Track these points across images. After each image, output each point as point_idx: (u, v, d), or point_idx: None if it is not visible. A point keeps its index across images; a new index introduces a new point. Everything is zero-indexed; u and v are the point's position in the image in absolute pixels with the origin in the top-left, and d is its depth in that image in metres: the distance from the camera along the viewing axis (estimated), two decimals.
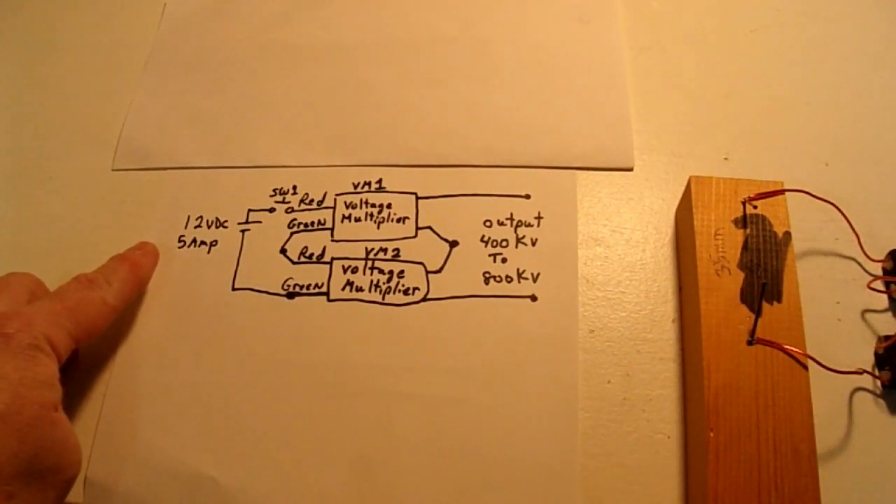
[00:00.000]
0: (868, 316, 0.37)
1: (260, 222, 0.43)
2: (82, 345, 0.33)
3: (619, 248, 0.40)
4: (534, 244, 0.40)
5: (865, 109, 0.44)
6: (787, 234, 0.35)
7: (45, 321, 0.30)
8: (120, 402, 0.38)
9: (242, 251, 0.42)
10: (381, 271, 0.40)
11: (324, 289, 0.40)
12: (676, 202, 0.40)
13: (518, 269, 0.39)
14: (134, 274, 0.37)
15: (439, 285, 0.39)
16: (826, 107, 0.44)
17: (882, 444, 0.34)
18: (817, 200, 0.37)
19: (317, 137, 0.45)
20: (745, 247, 0.35)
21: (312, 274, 0.41)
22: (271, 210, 0.43)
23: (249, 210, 0.43)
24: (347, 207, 0.42)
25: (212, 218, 0.43)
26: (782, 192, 0.36)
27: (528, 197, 0.42)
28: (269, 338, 0.39)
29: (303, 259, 0.41)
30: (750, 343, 0.32)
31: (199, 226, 0.43)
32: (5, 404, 0.27)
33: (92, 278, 0.35)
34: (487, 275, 0.39)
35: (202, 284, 0.41)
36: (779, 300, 0.33)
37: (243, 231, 0.42)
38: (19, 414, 0.27)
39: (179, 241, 0.42)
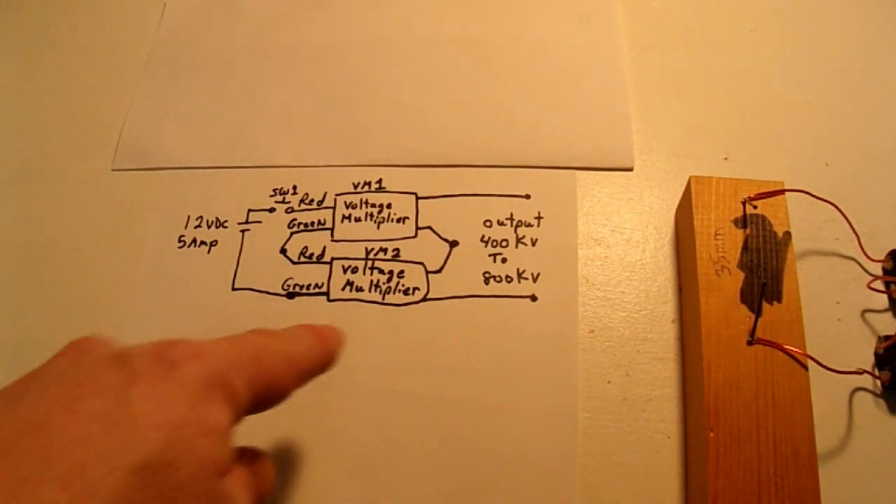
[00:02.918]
0: (868, 316, 0.37)
1: (260, 222, 0.43)
2: (261, 406, 0.25)
3: (619, 248, 0.40)
4: (534, 244, 0.40)
5: (865, 109, 0.44)
6: (787, 234, 0.35)
7: (222, 358, 0.23)
8: None
9: (242, 251, 0.42)
10: (381, 271, 0.40)
11: (324, 289, 0.40)
12: (676, 202, 0.40)
13: (518, 269, 0.39)
14: (321, 344, 0.28)
15: (439, 285, 0.39)
16: (826, 107, 0.44)
17: (882, 444, 0.34)
18: (817, 200, 0.37)
19: (317, 137, 0.45)
20: (745, 247, 0.35)
21: (312, 274, 0.41)
22: (271, 210, 0.43)
23: (249, 210, 0.43)
24: (347, 207, 0.42)
25: (212, 218, 0.43)
26: (782, 192, 0.36)
27: (528, 197, 0.42)
28: None
29: (303, 259, 0.41)
30: (750, 343, 0.32)
31: (199, 226, 0.43)
32: (157, 451, 0.19)
33: (272, 331, 0.27)
34: (487, 275, 0.39)
35: (202, 284, 0.41)
36: (779, 300, 0.33)
37: (243, 231, 0.42)
38: (174, 468, 0.19)
39: (179, 241, 0.42)
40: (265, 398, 0.25)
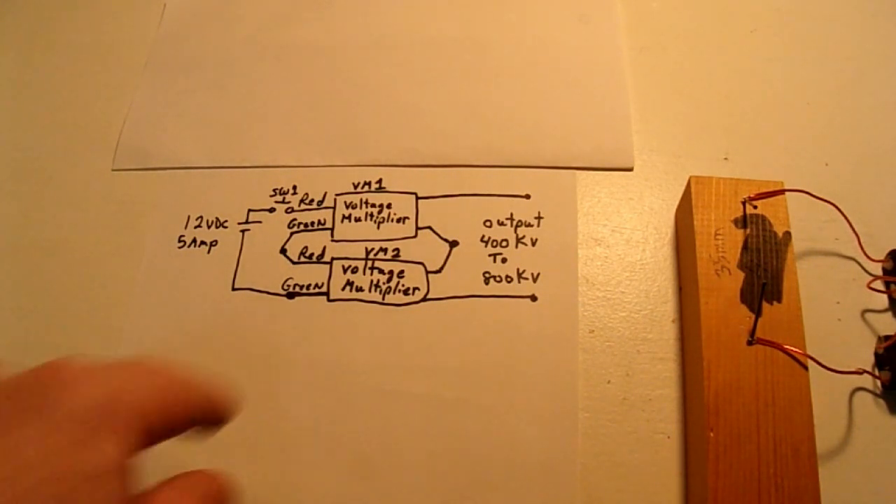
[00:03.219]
0: (868, 316, 0.37)
1: (260, 222, 0.43)
2: (167, 431, 0.22)
3: (619, 248, 0.40)
4: (534, 244, 0.40)
5: (865, 109, 0.44)
6: (787, 234, 0.35)
7: (113, 379, 0.20)
8: None
9: (242, 251, 0.42)
10: (381, 271, 0.40)
11: (324, 289, 0.40)
12: (676, 202, 0.40)
13: (518, 269, 0.39)
14: (212, 385, 0.24)
15: (439, 285, 0.39)
16: (826, 107, 0.44)
17: (882, 444, 0.34)
18: (817, 200, 0.37)
19: (317, 137, 0.45)
20: (745, 247, 0.35)
21: (312, 274, 0.41)
22: (271, 210, 0.43)
23: (249, 210, 0.43)
24: (347, 207, 0.42)
25: (212, 218, 0.43)
26: (782, 192, 0.36)
27: (528, 197, 0.42)
28: (269, 338, 0.39)
29: (303, 259, 0.41)
30: (750, 343, 0.32)
31: (199, 226, 0.43)
32: None
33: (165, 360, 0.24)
34: (487, 275, 0.39)
35: (202, 284, 0.41)
36: (779, 300, 0.33)
37: (243, 231, 0.42)
38: None
39: (179, 241, 0.42)
40: (168, 421, 0.22)
